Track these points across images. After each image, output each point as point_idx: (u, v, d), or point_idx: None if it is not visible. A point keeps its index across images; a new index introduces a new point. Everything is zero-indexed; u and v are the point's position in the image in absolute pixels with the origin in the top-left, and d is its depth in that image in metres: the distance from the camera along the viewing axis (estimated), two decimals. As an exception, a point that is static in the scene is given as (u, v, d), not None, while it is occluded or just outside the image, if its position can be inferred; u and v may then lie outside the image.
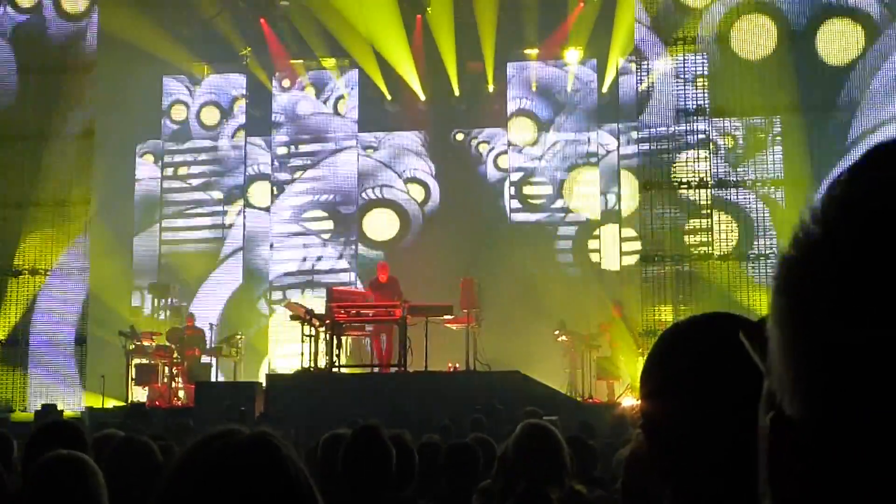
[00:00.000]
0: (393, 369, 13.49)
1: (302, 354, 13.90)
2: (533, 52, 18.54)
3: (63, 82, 15.73)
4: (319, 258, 18.65)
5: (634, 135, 15.76)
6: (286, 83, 19.18)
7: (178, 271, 18.66)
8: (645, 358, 1.30)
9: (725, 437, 1.13)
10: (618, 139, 18.35)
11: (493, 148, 19.10)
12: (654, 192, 14.57)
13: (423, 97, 18.71)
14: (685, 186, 14.52)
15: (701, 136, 14.57)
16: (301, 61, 19.20)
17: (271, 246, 18.87)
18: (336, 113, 19.09)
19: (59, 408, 13.70)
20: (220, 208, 19.18)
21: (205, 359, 15.54)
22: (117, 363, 15.05)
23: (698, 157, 14.56)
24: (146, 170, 19.55)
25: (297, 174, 19.04)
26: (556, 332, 15.07)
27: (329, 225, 18.75)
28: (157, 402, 14.57)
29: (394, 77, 18.42)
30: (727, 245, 14.34)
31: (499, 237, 17.61)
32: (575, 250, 18.07)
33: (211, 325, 16.39)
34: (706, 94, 14.54)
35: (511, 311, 15.71)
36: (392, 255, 17.85)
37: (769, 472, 0.58)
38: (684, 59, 14.53)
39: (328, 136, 19.07)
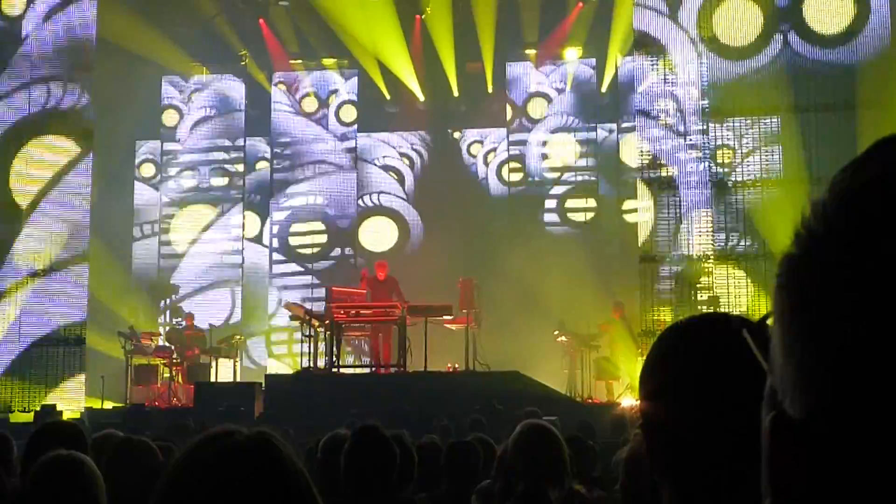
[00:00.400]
0: (392, 370, 13.49)
1: (301, 355, 13.89)
2: (532, 52, 18.54)
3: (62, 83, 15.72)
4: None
5: (634, 135, 15.74)
6: (282, 86, 19.18)
7: (178, 271, 18.66)
8: (644, 358, 1.30)
9: (725, 438, 1.13)
10: (617, 139, 18.35)
11: (492, 148, 19.09)
12: (654, 191, 14.57)
13: (421, 98, 18.71)
14: (684, 186, 14.52)
15: (701, 136, 14.57)
16: (300, 62, 19.20)
17: (271, 255, 18.87)
18: (338, 120, 19.07)
19: (58, 408, 13.70)
20: (219, 209, 19.16)
21: (204, 359, 15.53)
22: (117, 364, 15.05)
23: (697, 157, 14.57)
24: (146, 170, 19.56)
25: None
26: (556, 333, 15.08)
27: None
28: (156, 403, 14.57)
29: (393, 77, 18.42)
30: (726, 245, 14.34)
31: (498, 237, 17.59)
32: (575, 250, 18.06)
33: (210, 325, 16.38)
34: (706, 95, 14.54)
35: (510, 312, 15.71)
36: (391, 255, 17.85)
37: (770, 472, 0.57)
38: (684, 59, 14.53)
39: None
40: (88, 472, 2.82)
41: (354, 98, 19.04)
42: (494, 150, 19.09)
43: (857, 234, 0.53)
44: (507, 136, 18.80)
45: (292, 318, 14.24)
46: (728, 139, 14.69)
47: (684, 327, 1.29)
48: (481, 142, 19.19)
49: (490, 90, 18.67)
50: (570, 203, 18.45)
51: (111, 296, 16.67)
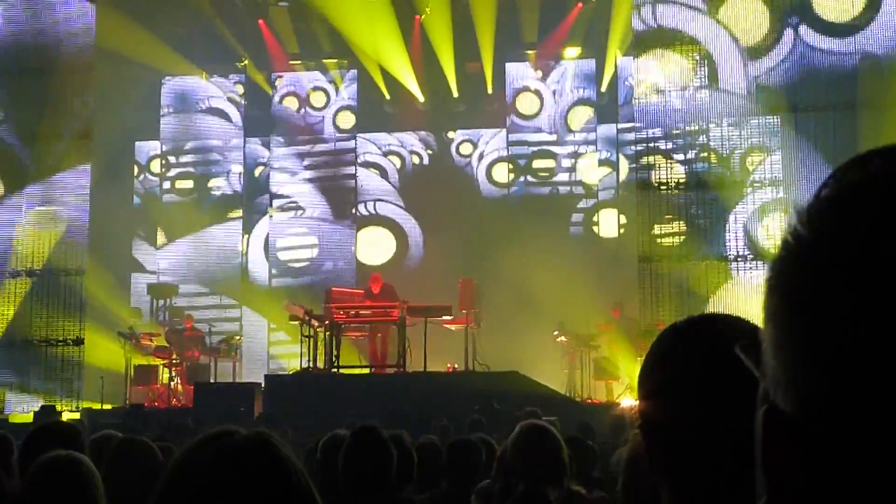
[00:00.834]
0: (392, 370, 13.49)
1: (301, 355, 13.90)
2: (532, 52, 18.55)
3: (60, 84, 15.72)
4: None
5: (633, 135, 15.75)
6: (280, 84, 19.19)
7: (177, 271, 18.66)
8: (643, 358, 1.30)
9: (724, 438, 1.13)
10: (616, 139, 18.36)
11: (492, 148, 19.10)
12: (652, 193, 14.57)
13: (421, 98, 18.71)
14: (682, 188, 14.53)
15: (700, 136, 14.58)
16: (300, 62, 19.20)
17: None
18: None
19: (58, 409, 13.70)
20: (219, 209, 19.16)
21: (204, 359, 15.53)
22: (117, 364, 15.05)
23: (697, 159, 14.57)
24: (145, 171, 19.56)
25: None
26: (555, 333, 15.07)
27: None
28: (156, 403, 14.58)
29: (392, 78, 18.42)
30: (725, 246, 14.34)
31: (497, 237, 17.58)
32: (574, 250, 18.05)
33: (210, 326, 16.39)
34: (706, 94, 14.54)
35: (510, 312, 15.70)
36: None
37: (764, 467, 0.58)
38: (683, 59, 14.53)
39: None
40: (87, 472, 2.82)
41: (352, 103, 19.04)
42: (494, 150, 19.08)
43: (841, 237, 0.54)
44: (507, 136, 18.80)
45: (292, 318, 14.24)
46: (728, 139, 14.69)
47: (683, 327, 1.29)
48: (479, 142, 19.18)
49: (490, 90, 18.67)
50: (570, 203, 18.45)
51: (111, 296, 16.66)
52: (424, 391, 12.06)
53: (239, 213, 19.06)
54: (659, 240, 14.62)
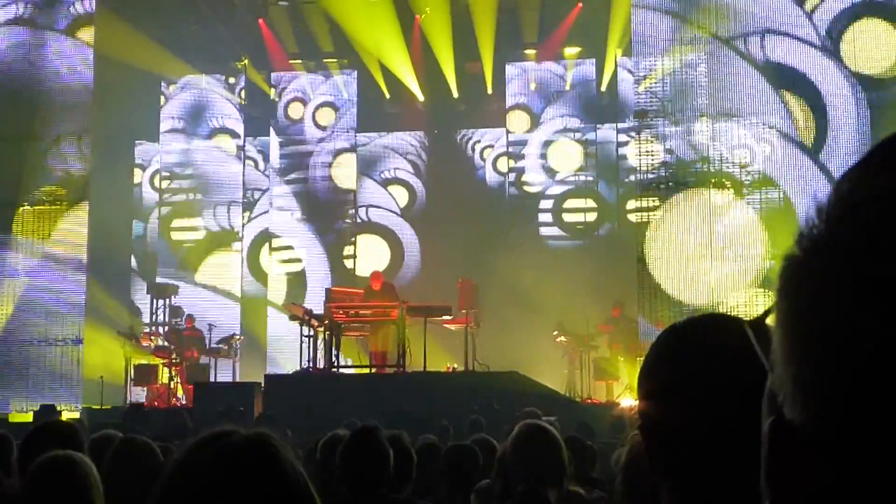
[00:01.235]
0: (391, 370, 13.48)
1: (301, 355, 13.89)
2: (532, 52, 18.55)
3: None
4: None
5: (632, 134, 15.74)
6: (282, 86, 19.20)
7: (177, 271, 18.65)
8: (643, 358, 1.30)
9: (724, 438, 1.13)
10: (616, 139, 18.36)
11: (491, 147, 19.09)
12: (652, 191, 14.57)
13: (421, 98, 18.71)
14: (682, 187, 14.53)
15: (700, 135, 14.57)
16: (300, 62, 19.19)
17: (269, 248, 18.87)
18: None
19: (57, 408, 13.69)
20: (219, 209, 19.15)
21: (204, 359, 15.53)
22: (116, 363, 15.04)
23: (696, 158, 14.57)
24: (146, 170, 19.56)
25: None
26: (555, 333, 15.07)
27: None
28: (155, 403, 14.57)
29: (392, 78, 18.42)
30: (726, 245, 14.33)
31: (497, 237, 17.59)
32: (574, 250, 18.06)
33: (210, 325, 16.38)
34: (706, 94, 14.54)
35: (509, 312, 15.70)
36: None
37: (768, 475, 0.57)
38: (683, 59, 14.53)
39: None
40: (86, 472, 2.82)
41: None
42: (493, 150, 19.08)
43: (859, 238, 0.52)
44: (507, 136, 18.80)
45: (291, 318, 14.24)
46: (729, 139, 14.69)
47: (684, 327, 1.29)
48: (480, 141, 19.19)
49: (489, 90, 18.67)
50: (569, 203, 18.44)
51: (111, 295, 16.66)
52: (424, 391, 12.05)
53: (239, 212, 19.05)
54: (660, 239, 14.61)
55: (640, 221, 14.92)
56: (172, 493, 1.41)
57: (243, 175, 19.14)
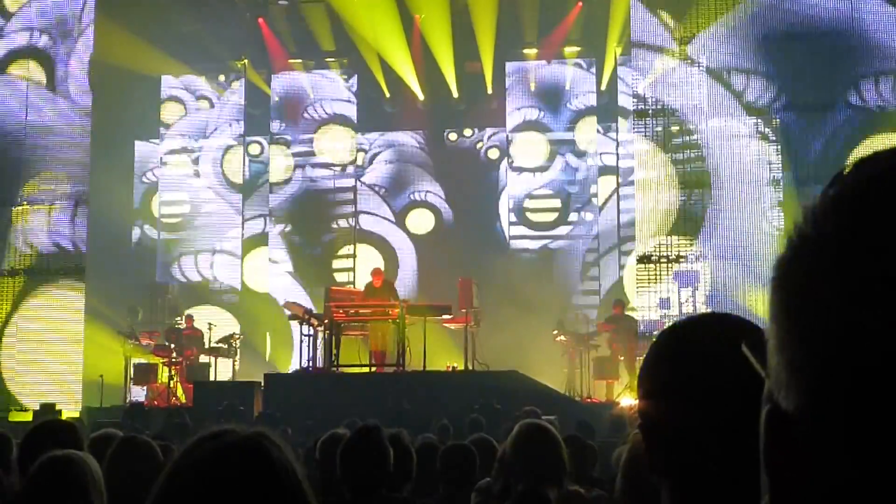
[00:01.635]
0: (391, 369, 13.48)
1: (300, 354, 13.89)
2: (532, 51, 18.54)
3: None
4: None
5: (633, 134, 15.74)
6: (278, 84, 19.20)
7: (178, 271, 18.67)
8: (644, 357, 1.30)
9: (724, 438, 1.13)
10: (616, 138, 18.35)
11: (492, 147, 19.08)
12: (652, 191, 14.57)
13: (421, 97, 18.70)
14: (681, 187, 14.53)
15: (700, 134, 14.58)
16: (300, 61, 19.18)
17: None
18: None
19: (57, 407, 13.69)
20: (220, 210, 19.16)
21: (203, 358, 15.53)
22: (116, 362, 15.04)
23: (696, 157, 14.57)
24: (145, 169, 19.56)
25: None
26: (555, 332, 15.06)
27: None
28: (155, 402, 14.56)
29: (393, 77, 18.41)
30: (725, 243, 14.34)
31: (497, 236, 17.59)
32: (574, 249, 18.07)
33: (210, 324, 16.38)
34: (705, 93, 14.54)
35: (509, 311, 15.70)
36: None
37: (766, 467, 0.59)
38: (681, 59, 14.53)
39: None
40: (86, 470, 2.82)
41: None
42: (494, 149, 19.07)
43: (845, 235, 0.54)
44: (507, 136, 18.79)
45: (291, 317, 14.24)
46: (728, 138, 14.69)
47: (684, 327, 1.29)
48: (479, 141, 19.17)
49: (489, 90, 18.66)
50: (569, 203, 18.43)
51: (111, 294, 16.66)
52: (424, 390, 12.05)
53: (239, 211, 19.05)
54: (661, 238, 14.61)
55: (641, 220, 14.90)
56: (168, 492, 1.42)
57: (243, 175, 19.13)
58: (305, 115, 19.17)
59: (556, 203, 18.41)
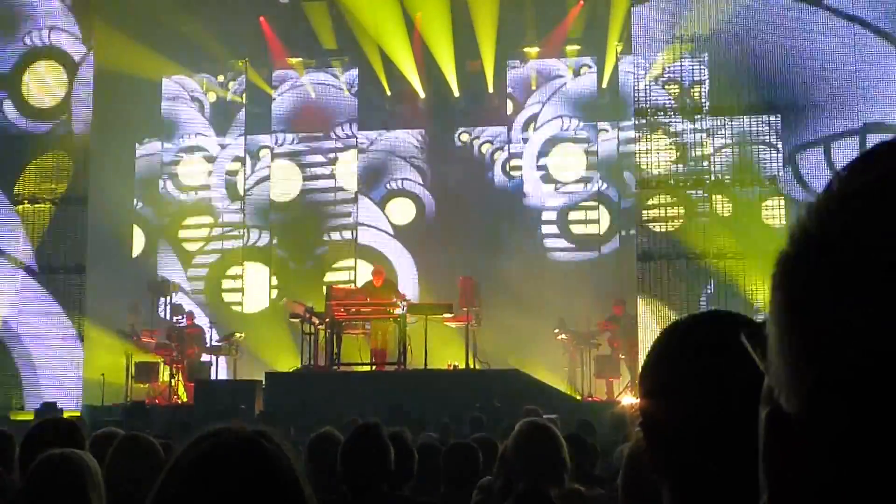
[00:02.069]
0: (392, 368, 13.49)
1: (301, 353, 13.90)
2: (533, 49, 18.53)
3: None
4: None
5: (633, 133, 15.73)
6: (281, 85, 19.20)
7: (178, 269, 18.67)
8: (645, 356, 1.29)
9: (725, 436, 1.13)
10: (617, 137, 18.34)
11: (496, 148, 19.06)
12: (653, 189, 14.57)
13: (422, 95, 18.68)
14: (682, 184, 14.52)
15: (700, 134, 14.58)
16: (300, 59, 19.16)
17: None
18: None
19: (58, 406, 13.70)
20: (220, 209, 19.16)
21: (205, 357, 15.54)
22: (117, 361, 15.05)
23: (695, 156, 14.57)
24: (146, 169, 19.57)
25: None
26: (556, 331, 15.06)
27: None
28: (156, 401, 14.57)
29: (393, 75, 18.40)
30: (725, 243, 14.34)
31: (498, 237, 17.57)
32: (575, 248, 18.05)
33: (211, 323, 16.40)
34: (704, 92, 14.54)
35: (510, 310, 15.70)
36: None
37: (766, 467, 0.58)
38: (681, 57, 14.52)
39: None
40: (85, 469, 2.82)
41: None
42: (494, 148, 19.05)
43: (848, 233, 0.54)
44: (508, 135, 18.78)
45: (292, 316, 14.24)
46: (728, 137, 14.69)
47: (685, 325, 1.29)
48: (479, 139, 19.16)
49: (490, 89, 18.64)
50: (569, 203, 18.42)
51: (111, 293, 16.66)
52: (425, 389, 12.07)
53: (238, 211, 19.05)
54: (660, 238, 14.60)
55: (641, 218, 14.87)
56: (168, 490, 1.42)
57: (244, 175, 19.12)
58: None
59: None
